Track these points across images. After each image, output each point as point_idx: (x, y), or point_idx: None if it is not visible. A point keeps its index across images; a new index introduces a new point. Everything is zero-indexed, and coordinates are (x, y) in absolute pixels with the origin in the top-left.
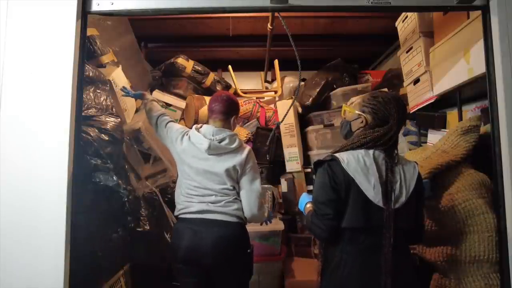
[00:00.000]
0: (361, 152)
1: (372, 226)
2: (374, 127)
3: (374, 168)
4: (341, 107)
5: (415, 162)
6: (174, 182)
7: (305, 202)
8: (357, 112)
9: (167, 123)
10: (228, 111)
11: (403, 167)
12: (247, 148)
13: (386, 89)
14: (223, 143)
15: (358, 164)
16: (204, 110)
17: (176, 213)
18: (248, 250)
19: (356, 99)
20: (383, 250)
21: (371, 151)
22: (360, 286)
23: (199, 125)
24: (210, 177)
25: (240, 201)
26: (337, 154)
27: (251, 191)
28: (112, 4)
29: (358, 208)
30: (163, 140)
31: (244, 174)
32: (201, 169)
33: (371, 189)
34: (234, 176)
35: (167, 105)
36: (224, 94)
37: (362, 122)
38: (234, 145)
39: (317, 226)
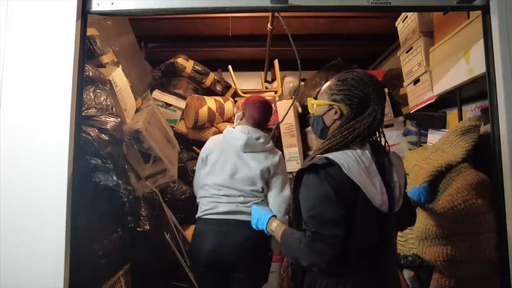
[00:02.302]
0: (356, 151)
1: (379, 238)
2: (354, 117)
3: (375, 169)
4: None
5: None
6: (174, 182)
7: (267, 219)
8: (328, 102)
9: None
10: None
11: (391, 160)
12: (279, 152)
13: (385, 89)
14: (259, 141)
15: (360, 167)
16: (204, 110)
17: (199, 214)
18: (269, 254)
19: (323, 88)
20: (388, 262)
21: (366, 149)
22: None
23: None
24: (241, 176)
25: (267, 203)
26: (332, 157)
27: (281, 196)
28: (112, 4)
29: (367, 220)
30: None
31: (275, 177)
32: (233, 166)
33: (379, 195)
34: (266, 177)
35: (167, 105)
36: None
37: (336, 113)
38: (269, 145)
39: (321, 253)
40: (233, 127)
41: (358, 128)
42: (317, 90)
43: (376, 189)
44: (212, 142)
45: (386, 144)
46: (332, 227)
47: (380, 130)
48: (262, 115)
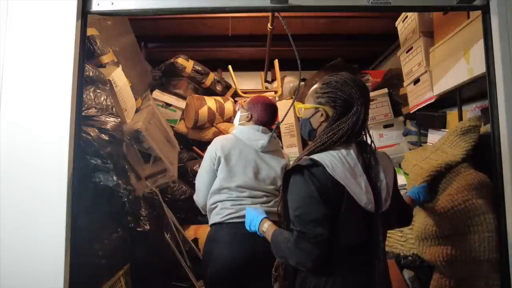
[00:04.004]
0: (341, 151)
1: (366, 237)
2: (338, 118)
3: (360, 169)
4: None
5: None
6: (174, 182)
7: (259, 220)
8: (313, 105)
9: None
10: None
11: (378, 159)
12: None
13: (386, 89)
14: (275, 140)
15: (344, 167)
16: (204, 110)
17: (219, 219)
18: None
19: (309, 92)
20: (376, 262)
21: (351, 149)
22: None
23: (242, 126)
24: (263, 176)
25: None
26: (316, 157)
27: None
28: (112, 4)
29: (353, 220)
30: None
31: None
32: (255, 167)
33: (364, 194)
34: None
35: (167, 105)
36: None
37: (322, 115)
38: (280, 144)
39: (306, 252)
40: (244, 127)
41: (342, 128)
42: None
43: (361, 188)
44: (226, 143)
45: (372, 144)
46: (317, 226)
47: (366, 130)
48: (270, 116)
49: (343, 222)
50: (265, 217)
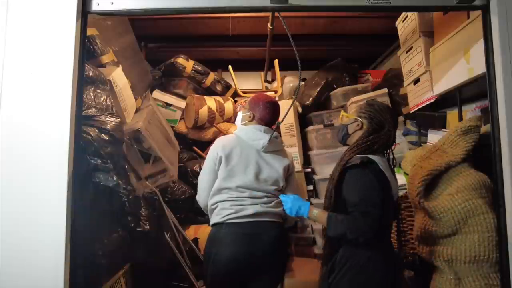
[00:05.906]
0: (379, 156)
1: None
2: (371, 132)
3: (390, 170)
4: (342, 106)
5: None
6: (174, 182)
7: (308, 206)
8: (354, 116)
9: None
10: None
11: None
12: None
13: (386, 89)
14: (277, 140)
15: (385, 166)
16: (204, 110)
17: (219, 219)
18: (288, 254)
19: (353, 107)
20: (397, 242)
21: (383, 157)
22: (386, 280)
23: (245, 126)
24: (265, 176)
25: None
26: (369, 157)
27: (298, 191)
28: (112, 4)
29: (389, 206)
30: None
31: (292, 175)
32: (256, 167)
33: (397, 189)
34: (286, 175)
35: (167, 105)
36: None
37: (358, 125)
38: (283, 144)
39: (369, 227)
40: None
41: (378, 142)
42: (342, 103)
43: (396, 184)
44: (228, 143)
45: (394, 161)
46: (376, 207)
47: (392, 149)
48: (273, 115)
49: (386, 206)
50: (311, 204)
